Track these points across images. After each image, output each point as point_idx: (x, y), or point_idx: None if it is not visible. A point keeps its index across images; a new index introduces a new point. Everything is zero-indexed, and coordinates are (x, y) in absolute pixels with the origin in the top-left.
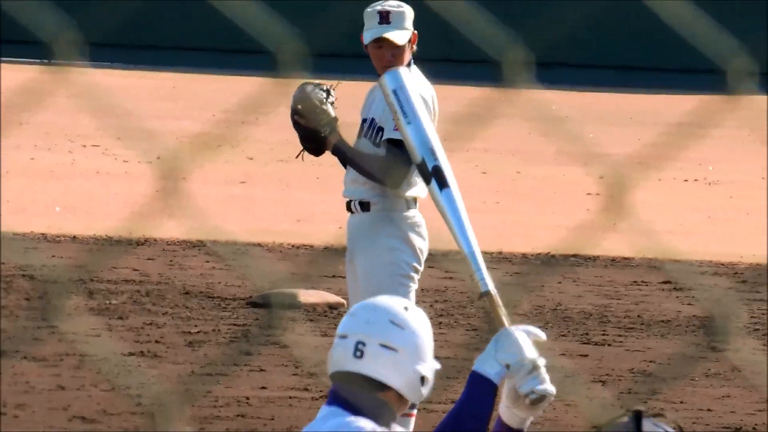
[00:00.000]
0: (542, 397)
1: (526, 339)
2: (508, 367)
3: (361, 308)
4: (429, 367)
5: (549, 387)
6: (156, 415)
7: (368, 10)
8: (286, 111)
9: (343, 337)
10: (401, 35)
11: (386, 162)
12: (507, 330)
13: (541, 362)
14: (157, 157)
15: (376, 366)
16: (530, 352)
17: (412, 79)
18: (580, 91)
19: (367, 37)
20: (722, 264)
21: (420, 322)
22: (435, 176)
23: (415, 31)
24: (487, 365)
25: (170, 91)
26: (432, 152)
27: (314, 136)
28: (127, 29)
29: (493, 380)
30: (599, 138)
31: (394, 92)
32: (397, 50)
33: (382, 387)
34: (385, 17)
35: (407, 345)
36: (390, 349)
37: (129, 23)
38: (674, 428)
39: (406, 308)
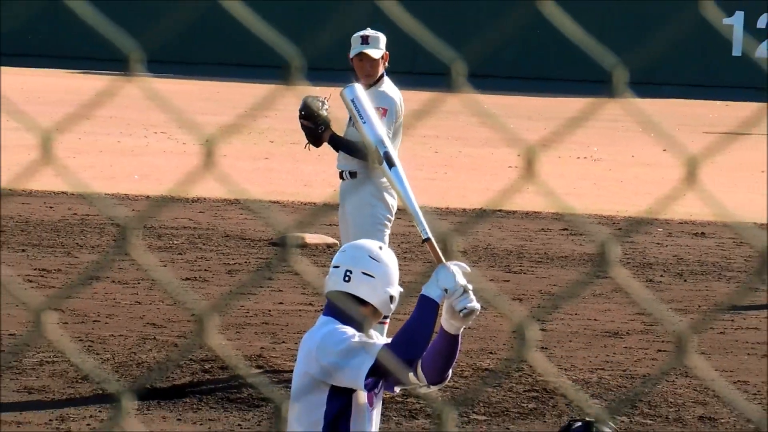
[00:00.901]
0: (471, 312)
1: (458, 271)
2: (446, 291)
3: (349, 247)
4: (396, 289)
5: (476, 304)
6: (204, 322)
7: (354, 35)
8: (295, 109)
9: (336, 267)
10: (376, 52)
11: None
12: (444, 265)
13: (469, 287)
14: (206, 140)
15: (359, 287)
16: (462, 280)
17: (364, 91)
18: (504, 95)
19: (352, 53)
20: (604, 216)
21: (390, 258)
22: (385, 159)
23: (387, 52)
24: (431, 290)
25: (214, 95)
26: (382, 142)
27: (314, 133)
28: (181, 49)
29: (436, 300)
30: (517, 128)
31: (352, 101)
32: (373, 62)
33: (363, 303)
34: (365, 40)
35: (381, 273)
36: (369, 276)
37: (183, 45)
38: (614, 430)
39: (380, 248)
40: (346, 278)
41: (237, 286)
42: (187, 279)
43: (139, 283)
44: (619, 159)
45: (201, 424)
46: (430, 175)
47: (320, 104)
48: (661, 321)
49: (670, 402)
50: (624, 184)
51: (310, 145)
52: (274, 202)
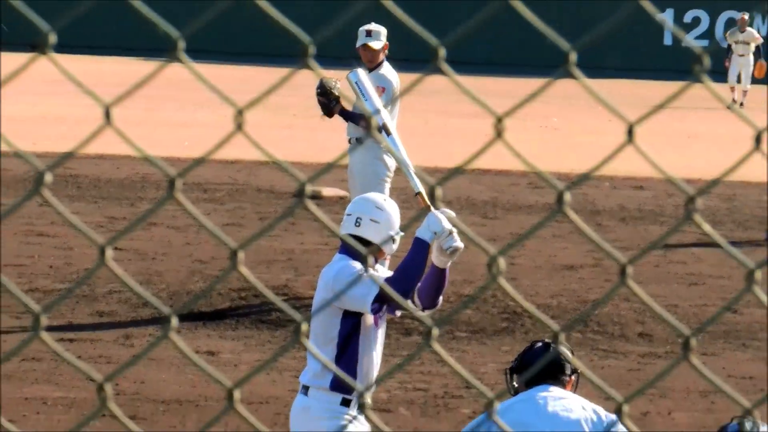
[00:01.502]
0: (456, 250)
1: (444, 217)
2: (435, 233)
3: (359, 199)
4: (397, 233)
5: (459, 243)
6: (237, 258)
7: (360, 29)
8: (313, 89)
9: (349, 215)
10: (377, 44)
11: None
12: (433, 212)
13: (454, 230)
14: (239, 112)
15: (367, 231)
16: (447, 224)
17: (367, 74)
18: (480, 77)
19: (358, 44)
20: (562, 173)
21: (393, 208)
22: (383, 129)
23: (387, 43)
24: (423, 233)
25: (247, 78)
26: (380, 115)
27: (328, 107)
28: (222, 41)
29: (427, 241)
30: (491, 103)
31: (356, 83)
32: (374, 52)
33: (370, 243)
34: (368, 33)
35: (385, 220)
36: (375, 222)
37: (223, 37)
38: (569, 349)
39: (384, 199)
40: (357, 224)
41: (266, 230)
42: (227, 225)
43: (188, 228)
44: (573, 127)
45: (238, 341)
46: (422, 142)
47: (333, 84)
48: (608, 256)
49: (615, 321)
50: (578, 148)
51: (325, 117)
52: (297, 162)
